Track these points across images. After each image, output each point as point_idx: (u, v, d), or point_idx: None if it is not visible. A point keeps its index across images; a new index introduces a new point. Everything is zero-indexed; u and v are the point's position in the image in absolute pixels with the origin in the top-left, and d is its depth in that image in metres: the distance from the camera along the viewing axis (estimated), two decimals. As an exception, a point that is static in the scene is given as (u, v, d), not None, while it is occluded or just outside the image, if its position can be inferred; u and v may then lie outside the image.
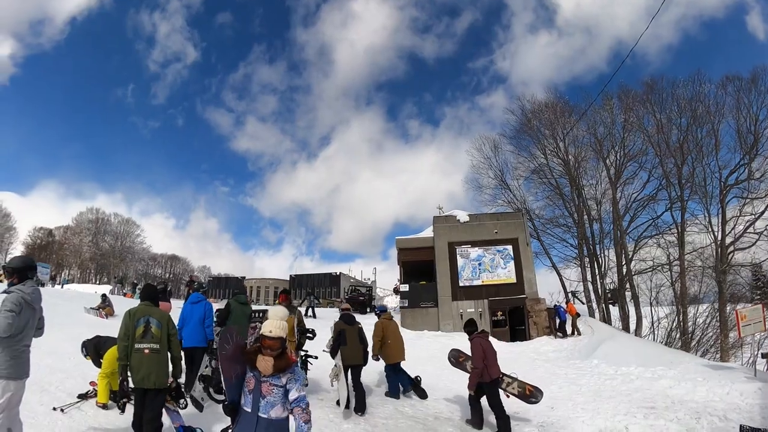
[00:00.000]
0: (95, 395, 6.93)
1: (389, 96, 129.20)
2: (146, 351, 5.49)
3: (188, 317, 7.83)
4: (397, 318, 25.51)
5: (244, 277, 75.42)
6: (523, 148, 34.71)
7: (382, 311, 10.70)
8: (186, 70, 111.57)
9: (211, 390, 7.64)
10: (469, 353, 8.37)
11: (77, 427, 6.10)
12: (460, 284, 24.61)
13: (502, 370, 8.27)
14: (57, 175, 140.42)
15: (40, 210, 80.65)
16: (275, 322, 3.80)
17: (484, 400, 7.96)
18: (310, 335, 9.09)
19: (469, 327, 8.48)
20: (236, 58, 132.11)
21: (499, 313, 23.84)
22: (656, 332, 26.89)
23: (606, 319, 27.78)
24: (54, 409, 6.44)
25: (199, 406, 6.91)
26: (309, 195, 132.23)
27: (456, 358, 9.91)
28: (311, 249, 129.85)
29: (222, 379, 3.87)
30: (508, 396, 8.33)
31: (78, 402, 6.80)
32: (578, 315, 22.85)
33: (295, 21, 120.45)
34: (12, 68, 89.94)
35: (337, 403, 8.18)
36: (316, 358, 9.29)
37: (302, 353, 9.06)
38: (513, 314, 23.83)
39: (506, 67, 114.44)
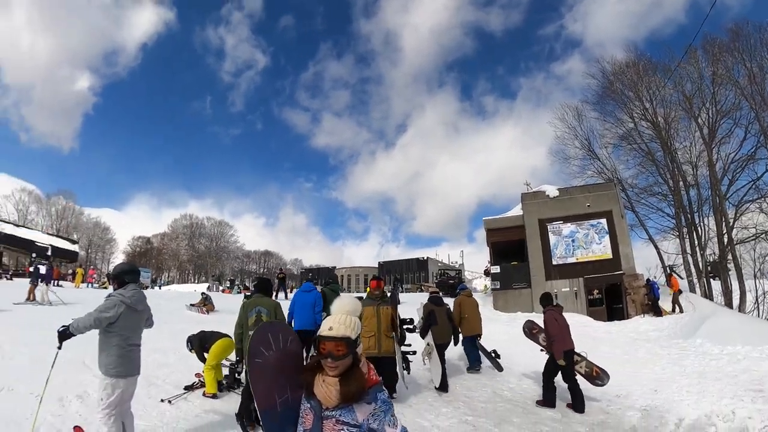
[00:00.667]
0: (200, 386, 7.36)
1: (460, 75, 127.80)
2: None
3: (300, 303, 8.41)
4: (488, 300, 25.72)
5: (334, 267, 77.39)
6: (608, 114, 32.43)
7: (462, 290, 11.30)
8: (258, 76, 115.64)
9: None
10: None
11: (184, 416, 6.39)
12: (554, 263, 23.67)
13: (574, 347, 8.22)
14: (149, 188, 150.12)
15: (137, 221, 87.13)
16: (339, 317, 2.50)
17: (558, 380, 7.94)
18: (411, 326, 8.79)
19: (544, 300, 8.57)
20: (304, 58, 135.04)
21: (596, 292, 22.68)
22: (762, 307, 24.89)
23: (707, 294, 25.86)
24: (162, 401, 6.83)
25: None
26: (390, 183, 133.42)
27: (530, 330, 9.90)
28: (397, 236, 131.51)
29: (256, 407, 2.72)
30: (575, 375, 8.19)
31: (184, 393, 7.17)
32: (680, 291, 21.39)
33: (356, 13, 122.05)
34: (93, 98, 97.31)
35: (435, 386, 8.42)
36: (415, 353, 8.86)
37: (404, 349, 8.16)
38: (610, 292, 22.62)
39: (578, 30, 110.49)
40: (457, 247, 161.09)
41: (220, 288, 48.82)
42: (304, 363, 2.69)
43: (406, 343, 8.22)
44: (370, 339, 7.21)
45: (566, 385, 7.91)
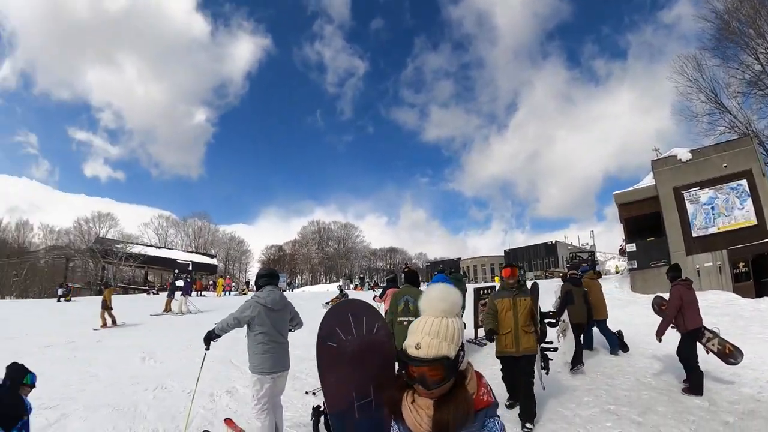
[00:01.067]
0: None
1: (563, 42, 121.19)
2: (405, 323, 6.61)
3: None
4: (625, 282, 24.03)
5: (459, 258, 77.01)
6: (730, 59, 28.54)
7: (584, 272, 11.21)
8: (360, 81, 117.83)
9: None
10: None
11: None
12: (693, 235, 21.16)
13: (704, 324, 7.69)
14: (275, 201, 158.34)
15: (268, 232, 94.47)
16: (428, 324, 1.85)
17: (704, 362, 7.39)
18: (553, 320, 7.71)
19: (672, 272, 8.01)
20: (401, 56, 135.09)
21: (741, 264, 19.75)
22: None
23: None
24: (306, 393, 7.40)
25: None
26: (508, 167, 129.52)
27: (659, 306, 9.33)
28: (521, 221, 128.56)
29: (326, 408, 2.41)
30: (707, 352, 7.76)
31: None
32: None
33: (443, 1, 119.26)
34: (211, 128, 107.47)
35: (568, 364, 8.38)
36: (556, 350, 7.87)
37: (545, 345, 6.93)
38: (757, 264, 19.53)
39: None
40: (586, 227, 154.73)
41: (351, 285, 50.56)
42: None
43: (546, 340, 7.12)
44: (507, 336, 6.33)
45: (708, 369, 7.40)
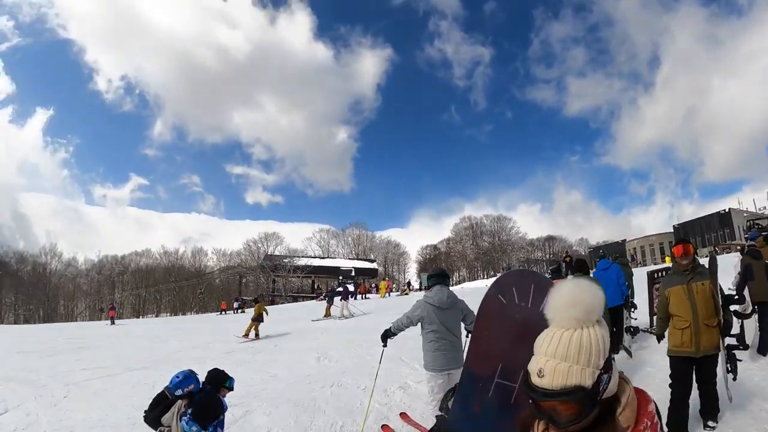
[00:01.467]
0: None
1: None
2: None
3: (604, 282, 7.99)
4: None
5: (624, 240, 72.45)
6: None
7: (752, 238, 9.76)
8: (488, 68, 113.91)
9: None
10: None
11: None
12: None
13: None
14: (424, 202, 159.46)
15: (421, 233, 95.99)
16: (554, 342, 1.36)
17: None
18: (737, 307, 6.46)
19: None
20: (524, 33, 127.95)
21: None
22: None
23: None
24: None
25: (629, 353, 7.80)
26: (663, 129, 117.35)
27: None
28: (687, 190, 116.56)
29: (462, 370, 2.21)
30: None
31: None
32: None
33: None
34: (354, 143, 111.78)
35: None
36: (747, 347, 6.51)
37: (729, 341, 5.35)
38: None
39: None
40: (761, 187, 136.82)
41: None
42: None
43: (732, 333, 5.50)
44: (683, 332, 4.89)
45: None
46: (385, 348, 5.60)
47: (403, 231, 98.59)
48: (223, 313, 36.72)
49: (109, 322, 34.17)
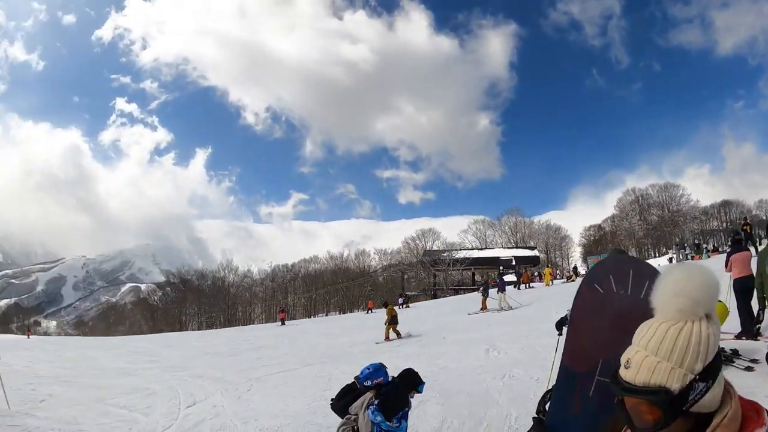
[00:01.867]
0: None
1: None
2: None
3: None
4: None
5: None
6: None
7: None
8: (622, 20, 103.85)
9: None
10: None
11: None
12: None
13: None
14: (580, 180, 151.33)
15: (582, 213, 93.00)
16: (650, 331, 1.20)
17: None
18: None
19: None
20: None
21: None
22: None
23: None
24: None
25: None
26: None
27: None
28: None
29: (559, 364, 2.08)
30: None
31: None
32: None
33: None
34: (498, 128, 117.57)
35: None
36: None
37: None
38: None
39: None
40: None
41: (690, 255, 45.06)
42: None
43: None
44: None
45: None
46: (560, 336, 5.48)
47: (562, 213, 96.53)
48: (370, 311, 38.68)
49: (279, 323, 37.93)
